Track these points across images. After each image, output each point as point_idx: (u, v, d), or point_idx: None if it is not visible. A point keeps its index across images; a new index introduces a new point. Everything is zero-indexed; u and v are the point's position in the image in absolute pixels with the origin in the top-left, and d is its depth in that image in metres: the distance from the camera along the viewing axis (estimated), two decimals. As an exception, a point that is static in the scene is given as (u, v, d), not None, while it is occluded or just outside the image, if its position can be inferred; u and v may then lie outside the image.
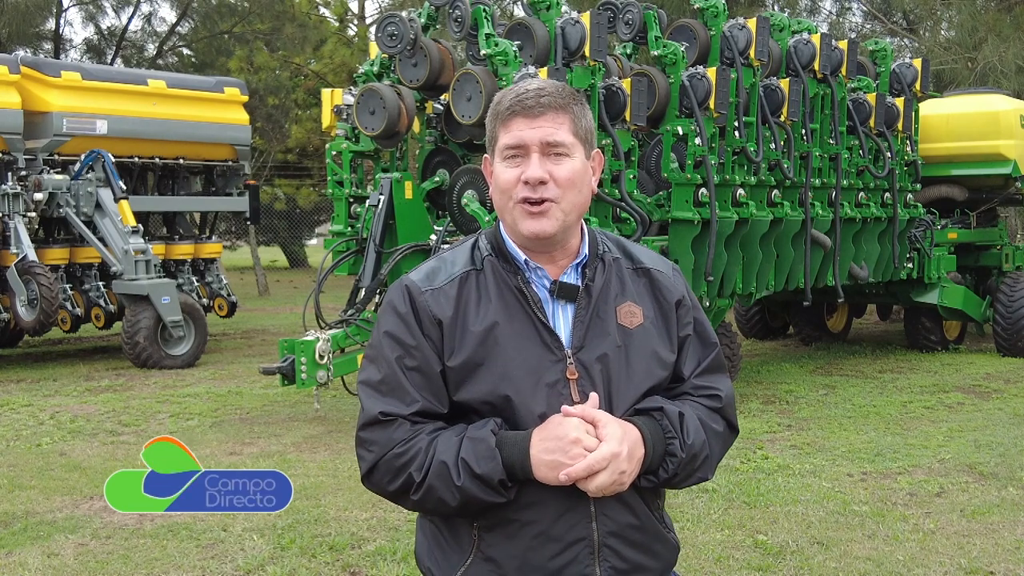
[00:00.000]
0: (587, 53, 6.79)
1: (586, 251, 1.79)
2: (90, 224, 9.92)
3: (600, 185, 6.82)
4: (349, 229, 7.55)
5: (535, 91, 1.72)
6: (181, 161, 11.53)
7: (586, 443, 1.63)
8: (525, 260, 1.77)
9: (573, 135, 1.73)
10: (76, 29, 75.74)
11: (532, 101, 1.71)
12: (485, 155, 1.85)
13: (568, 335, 1.74)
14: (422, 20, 7.28)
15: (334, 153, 7.62)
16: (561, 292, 1.76)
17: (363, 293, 6.92)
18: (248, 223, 15.86)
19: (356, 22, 25.50)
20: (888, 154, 9.04)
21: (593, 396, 1.69)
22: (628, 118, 7.03)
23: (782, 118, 8.00)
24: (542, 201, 1.70)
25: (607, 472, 1.63)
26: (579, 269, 1.79)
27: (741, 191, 7.56)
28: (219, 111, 11.61)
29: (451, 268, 1.78)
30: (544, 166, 1.70)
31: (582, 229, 1.82)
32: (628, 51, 8.56)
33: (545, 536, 1.69)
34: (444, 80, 7.11)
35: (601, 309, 1.76)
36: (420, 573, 1.85)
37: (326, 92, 8.39)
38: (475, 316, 1.72)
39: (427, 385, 1.71)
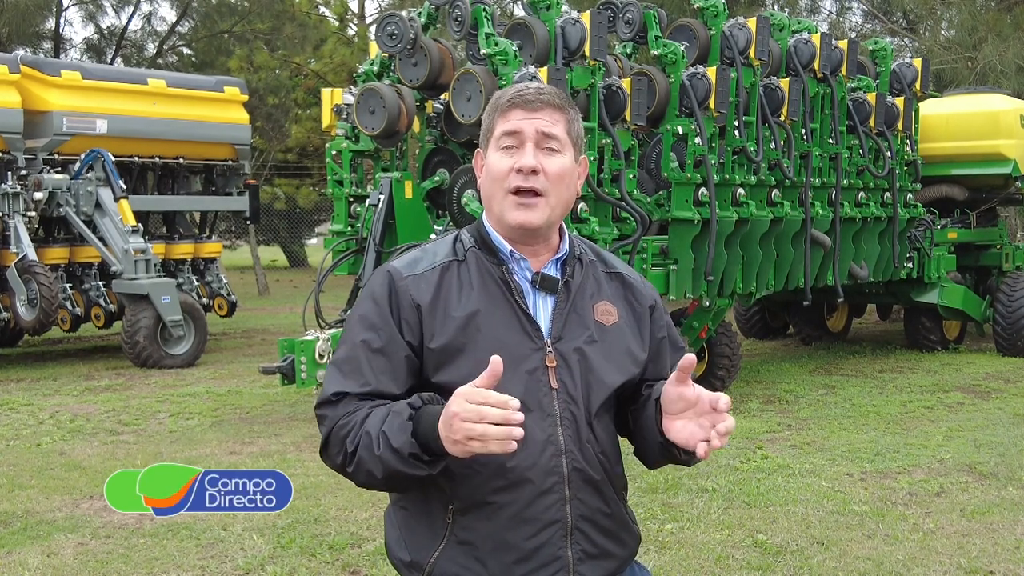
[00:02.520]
0: (587, 53, 6.79)
1: (566, 247, 1.87)
2: (90, 223, 9.91)
3: (600, 185, 6.87)
4: (349, 229, 7.55)
5: (535, 88, 1.82)
6: (181, 161, 11.52)
7: (463, 415, 1.55)
8: (510, 251, 1.83)
9: (567, 134, 1.82)
10: (76, 28, 75.85)
11: (532, 96, 1.80)
12: (477, 150, 1.90)
13: (548, 325, 1.81)
14: (422, 20, 7.28)
15: (334, 153, 7.61)
16: (543, 284, 1.83)
17: (363, 293, 6.91)
18: (248, 223, 15.84)
19: (356, 22, 25.51)
20: (888, 154, 9.03)
21: (495, 359, 1.59)
22: (628, 118, 7.03)
23: (782, 118, 8.00)
24: (533, 192, 1.77)
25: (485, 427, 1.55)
26: (559, 264, 1.86)
27: (741, 191, 7.56)
28: (219, 110, 11.60)
29: (433, 258, 1.84)
30: (537, 158, 1.78)
31: (561, 229, 1.89)
32: (628, 51, 8.55)
33: (519, 518, 1.74)
34: (444, 80, 7.11)
35: (579, 304, 1.84)
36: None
37: (326, 92, 8.39)
38: (457, 302, 1.78)
39: (387, 368, 1.76)
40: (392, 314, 1.77)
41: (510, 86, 1.86)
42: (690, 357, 1.68)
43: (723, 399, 1.67)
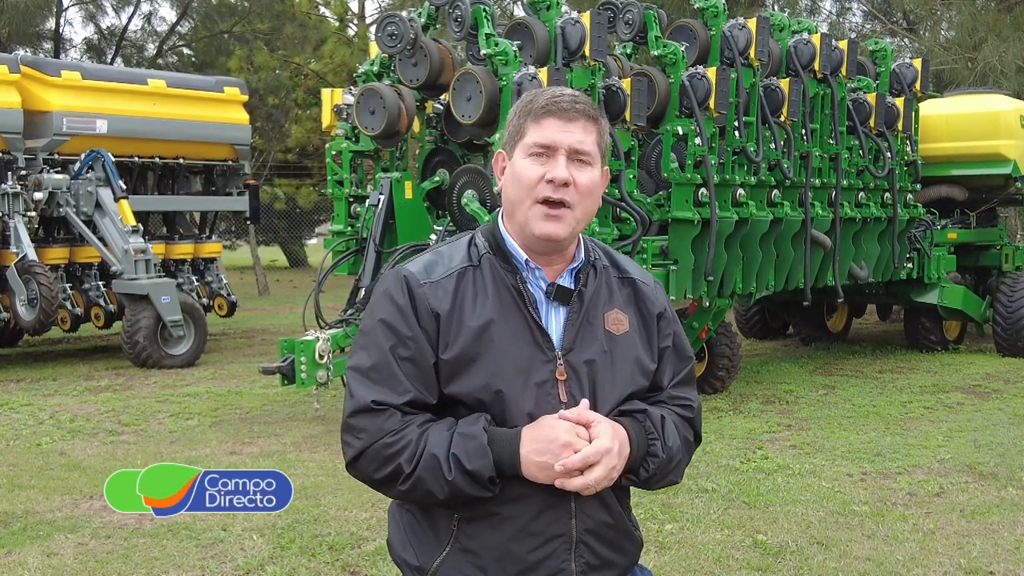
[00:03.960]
0: (587, 53, 6.79)
1: (582, 256, 1.85)
2: (90, 224, 9.91)
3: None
4: (349, 229, 7.55)
5: (571, 96, 1.79)
6: (181, 161, 11.52)
7: (576, 447, 1.68)
8: (526, 260, 1.80)
9: (597, 147, 1.80)
10: (76, 29, 75.90)
11: (568, 105, 1.77)
12: (500, 149, 1.87)
13: (559, 337, 1.79)
14: (422, 20, 7.28)
15: (334, 153, 7.61)
16: (557, 295, 1.80)
17: (363, 293, 6.91)
18: (248, 223, 15.85)
19: (356, 22, 25.51)
20: (888, 154, 9.04)
21: (584, 401, 1.74)
22: (628, 118, 7.03)
23: (782, 118, 8.00)
24: (561, 203, 1.75)
25: (601, 466, 1.68)
26: (574, 274, 1.84)
27: (741, 191, 7.56)
28: (219, 111, 11.60)
29: (448, 263, 1.80)
30: (568, 170, 1.75)
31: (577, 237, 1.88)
32: (628, 51, 8.56)
33: (525, 531, 1.74)
34: (444, 80, 7.11)
35: (591, 314, 1.82)
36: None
37: (326, 92, 8.39)
38: (472, 311, 1.75)
39: (419, 376, 1.74)
40: (418, 321, 1.74)
41: (542, 90, 1.82)
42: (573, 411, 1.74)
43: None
